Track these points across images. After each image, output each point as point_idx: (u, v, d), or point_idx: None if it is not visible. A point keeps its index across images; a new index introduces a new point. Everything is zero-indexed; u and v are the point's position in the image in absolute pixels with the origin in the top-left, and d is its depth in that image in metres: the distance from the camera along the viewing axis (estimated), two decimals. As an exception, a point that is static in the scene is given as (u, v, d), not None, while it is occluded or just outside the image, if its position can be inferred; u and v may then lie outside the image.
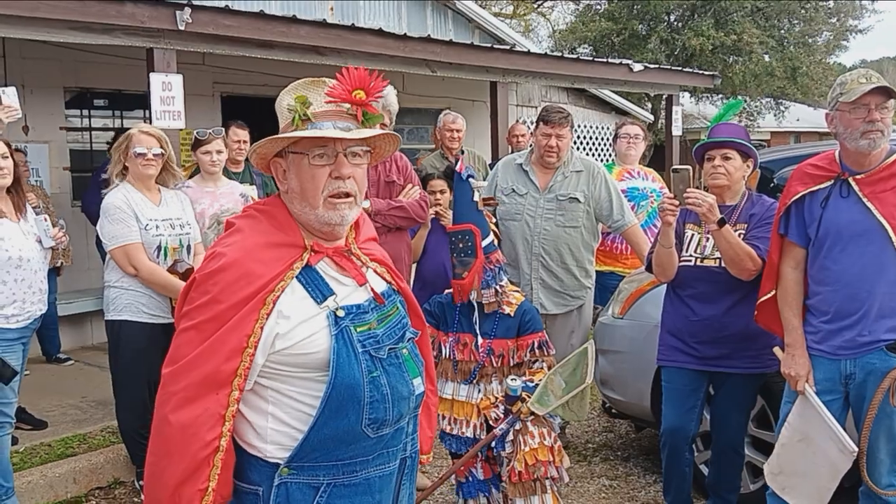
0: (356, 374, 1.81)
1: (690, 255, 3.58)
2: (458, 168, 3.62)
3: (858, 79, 3.00)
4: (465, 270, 3.51)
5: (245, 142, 5.53)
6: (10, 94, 3.94)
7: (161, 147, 4.13)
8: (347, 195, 1.86)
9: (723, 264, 3.45)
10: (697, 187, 3.41)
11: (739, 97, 19.95)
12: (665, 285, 3.76)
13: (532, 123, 10.48)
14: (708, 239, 3.52)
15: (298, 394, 1.81)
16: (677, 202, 3.36)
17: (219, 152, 4.62)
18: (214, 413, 1.74)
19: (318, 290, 1.85)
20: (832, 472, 3.09)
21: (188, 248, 4.25)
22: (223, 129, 4.82)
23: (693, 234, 3.60)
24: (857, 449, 3.02)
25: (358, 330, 1.85)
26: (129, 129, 4.22)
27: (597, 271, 5.02)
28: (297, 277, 1.83)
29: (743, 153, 3.50)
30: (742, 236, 3.42)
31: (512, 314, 3.57)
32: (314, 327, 1.81)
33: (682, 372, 3.63)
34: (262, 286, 1.77)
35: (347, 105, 1.85)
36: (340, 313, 1.84)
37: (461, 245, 3.55)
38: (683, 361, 3.61)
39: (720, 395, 3.66)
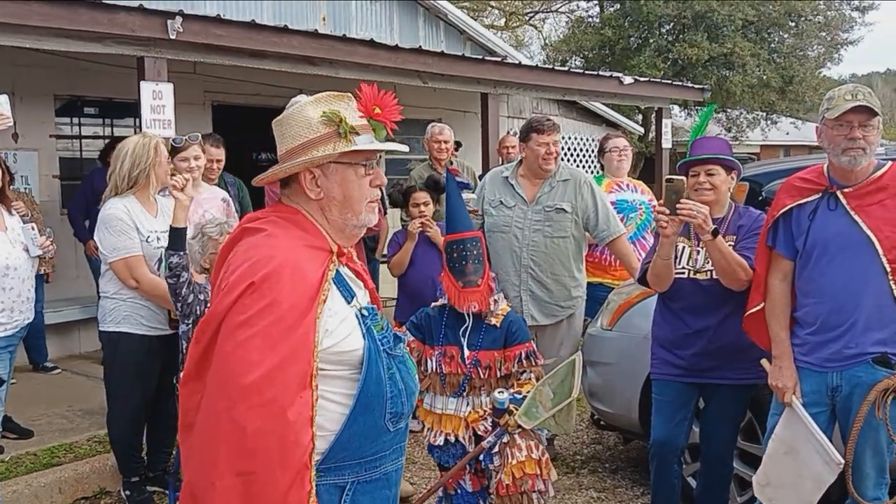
0: (381, 370, 1.90)
1: (683, 268, 3.58)
2: (451, 171, 3.63)
3: (844, 95, 3.02)
4: (480, 278, 3.50)
5: (220, 161, 5.27)
6: (2, 103, 3.91)
7: None
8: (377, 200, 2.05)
9: (715, 276, 3.46)
10: (688, 198, 3.41)
11: (728, 110, 20.05)
12: (654, 297, 3.77)
13: (523, 135, 10.51)
14: (699, 252, 3.53)
15: (331, 394, 1.86)
16: (668, 212, 3.35)
17: (196, 158, 4.57)
18: (305, 416, 1.77)
19: (347, 290, 1.95)
20: (816, 485, 3.10)
21: None
22: (199, 134, 4.75)
23: (684, 247, 3.60)
24: (843, 461, 3.03)
25: (375, 329, 1.95)
26: (120, 137, 4.19)
27: (586, 282, 5.03)
28: (332, 278, 1.91)
29: (726, 166, 3.52)
30: (731, 247, 3.43)
31: (498, 325, 3.55)
32: (350, 326, 1.90)
33: (673, 385, 3.63)
34: (315, 285, 1.83)
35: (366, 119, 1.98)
36: (365, 312, 1.95)
37: (475, 252, 3.51)
38: (676, 375, 3.62)
39: (710, 406, 3.66)
